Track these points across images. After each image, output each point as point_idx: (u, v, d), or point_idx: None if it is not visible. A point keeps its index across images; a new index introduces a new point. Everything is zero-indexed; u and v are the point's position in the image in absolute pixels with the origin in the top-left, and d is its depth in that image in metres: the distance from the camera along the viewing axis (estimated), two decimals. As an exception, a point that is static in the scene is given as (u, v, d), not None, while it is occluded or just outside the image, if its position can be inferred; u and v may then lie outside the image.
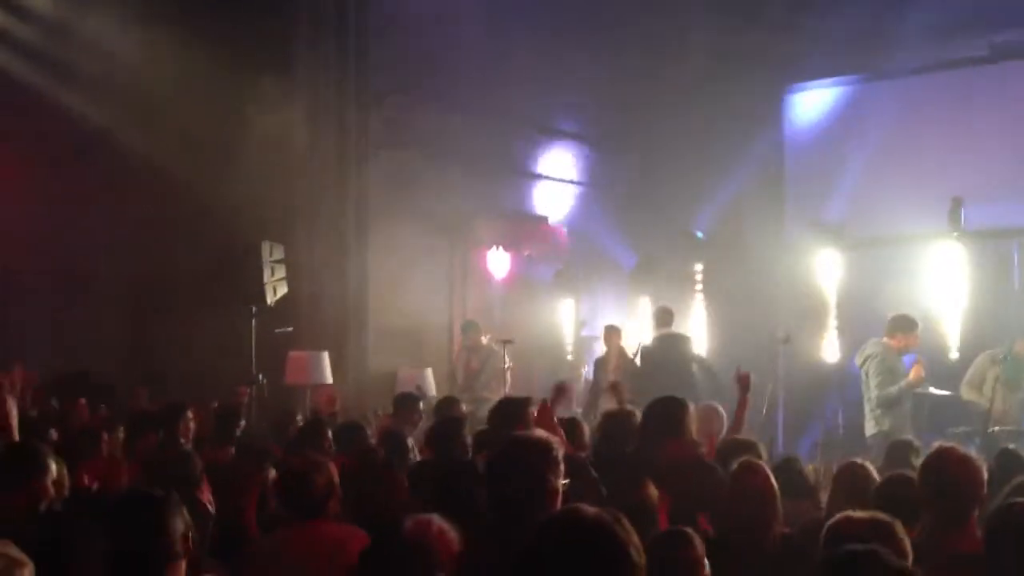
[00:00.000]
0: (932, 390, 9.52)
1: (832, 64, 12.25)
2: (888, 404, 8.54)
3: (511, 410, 5.53)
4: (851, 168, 11.83)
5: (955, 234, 10.55)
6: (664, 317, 10.68)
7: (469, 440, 5.64)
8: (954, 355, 10.27)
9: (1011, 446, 6.83)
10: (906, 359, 8.79)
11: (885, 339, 8.76)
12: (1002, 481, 4.23)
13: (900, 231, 11.42)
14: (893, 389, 8.52)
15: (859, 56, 12.08)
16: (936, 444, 4.17)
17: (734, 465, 4.40)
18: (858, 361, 8.92)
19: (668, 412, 5.36)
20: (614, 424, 5.87)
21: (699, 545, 3.42)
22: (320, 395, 8.23)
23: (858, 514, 3.30)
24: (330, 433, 6.09)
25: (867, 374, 8.71)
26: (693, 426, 5.48)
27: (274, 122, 10.11)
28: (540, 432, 3.77)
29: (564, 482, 3.47)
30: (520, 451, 3.52)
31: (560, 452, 3.51)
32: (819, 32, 11.95)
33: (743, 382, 6.32)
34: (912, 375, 8.59)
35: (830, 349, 11.41)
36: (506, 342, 10.73)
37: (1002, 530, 3.34)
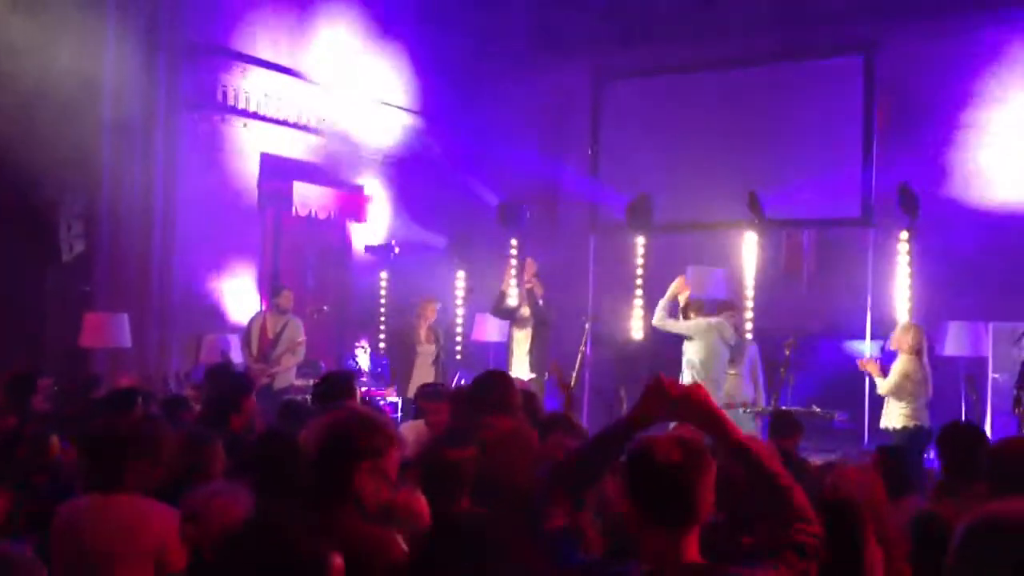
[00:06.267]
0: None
1: (647, 54, 12.61)
2: None
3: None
4: (660, 155, 12.17)
5: (754, 223, 11.11)
6: None
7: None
8: (749, 338, 10.81)
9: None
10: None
11: None
12: None
13: (702, 219, 11.85)
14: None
15: (670, 47, 12.45)
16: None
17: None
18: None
19: (491, 386, 5.29)
20: None
21: None
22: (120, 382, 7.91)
23: None
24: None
25: None
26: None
27: (80, 74, 9.52)
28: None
29: None
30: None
31: None
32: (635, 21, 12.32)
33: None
34: None
35: (635, 328, 11.79)
36: (318, 311, 10.56)
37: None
